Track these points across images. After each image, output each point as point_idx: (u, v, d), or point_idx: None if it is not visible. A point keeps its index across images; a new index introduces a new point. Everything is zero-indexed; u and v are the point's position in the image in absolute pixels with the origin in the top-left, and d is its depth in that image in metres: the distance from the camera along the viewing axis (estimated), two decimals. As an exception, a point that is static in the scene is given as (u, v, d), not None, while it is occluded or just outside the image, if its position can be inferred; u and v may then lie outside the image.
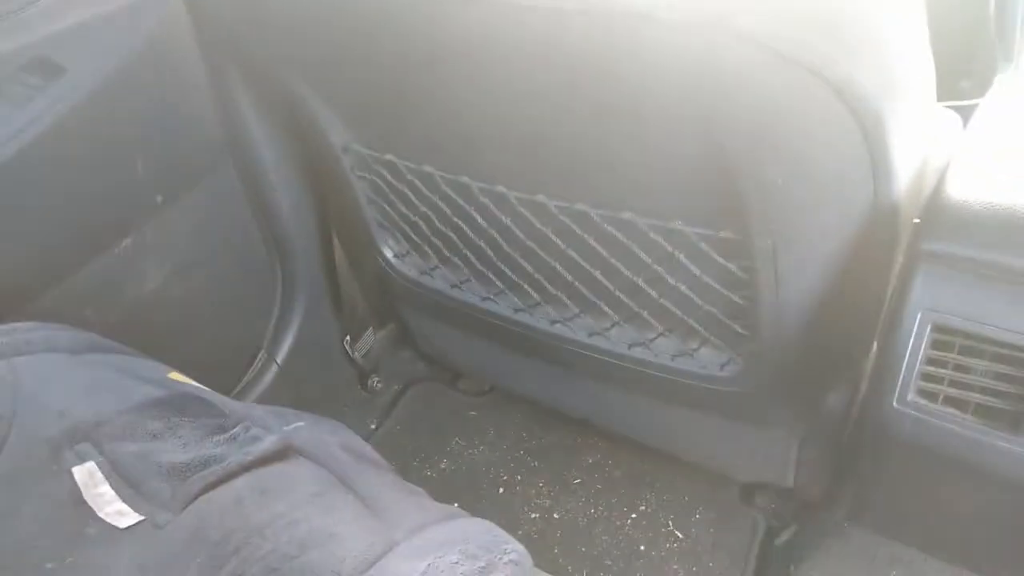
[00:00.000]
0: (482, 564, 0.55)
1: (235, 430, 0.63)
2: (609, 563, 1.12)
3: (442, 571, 0.53)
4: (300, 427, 0.68)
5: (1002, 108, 0.80)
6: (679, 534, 1.13)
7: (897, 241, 0.68)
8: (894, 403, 0.66)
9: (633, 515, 1.17)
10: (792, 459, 0.96)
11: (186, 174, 1.01)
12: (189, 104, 0.98)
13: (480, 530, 0.61)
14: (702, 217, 0.72)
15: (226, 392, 0.85)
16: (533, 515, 1.19)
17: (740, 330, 0.80)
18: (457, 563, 0.54)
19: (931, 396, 0.66)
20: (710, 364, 0.86)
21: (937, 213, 0.66)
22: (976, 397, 0.64)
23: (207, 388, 0.71)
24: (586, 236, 0.80)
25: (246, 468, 0.59)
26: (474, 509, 1.18)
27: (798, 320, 0.76)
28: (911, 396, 0.66)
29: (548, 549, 1.15)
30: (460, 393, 1.40)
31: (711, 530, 1.13)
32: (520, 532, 1.18)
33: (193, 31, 0.94)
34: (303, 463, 0.63)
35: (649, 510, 1.17)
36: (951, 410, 0.65)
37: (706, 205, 0.70)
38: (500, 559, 0.57)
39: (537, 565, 1.12)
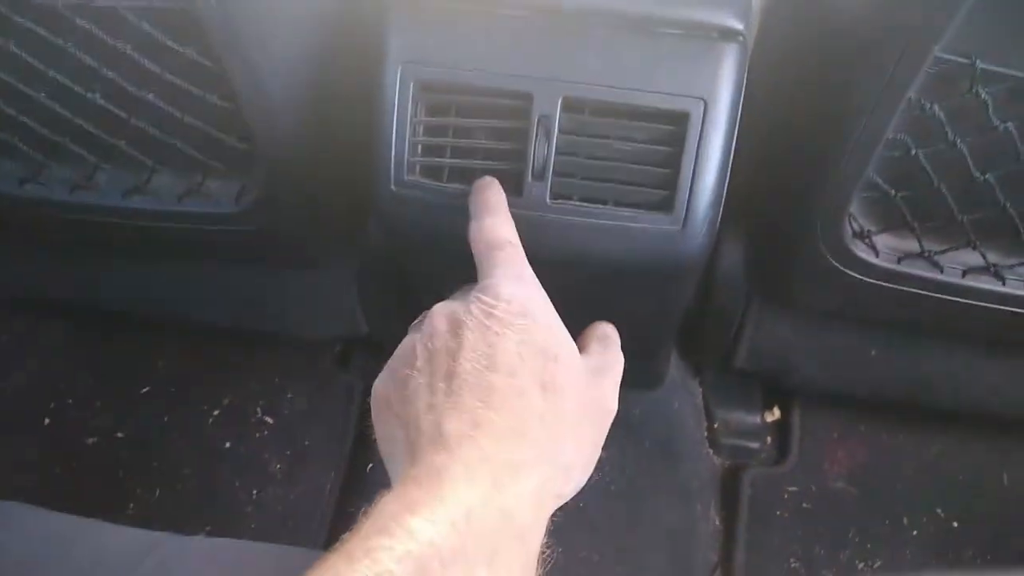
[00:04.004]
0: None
1: None
2: (188, 472, 0.95)
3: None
4: None
5: None
6: (269, 420, 1.00)
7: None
8: (391, 186, 0.55)
9: (216, 412, 1.00)
10: (355, 301, 0.85)
11: None
12: None
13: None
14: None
15: None
16: (90, 440, 0.98)
17: (238, 144, 0.65)
18: None
19: (435, 173, 0.56)
20: (223, 199, 0.70)
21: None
22: (480, 165, 0.55)
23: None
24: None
25: None
26: (9, 444, 0.95)
27: (298, 121, 0.63)
28: (409, 176, 0.56)
29: (111, 473, 0.95)
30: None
31: (306, 406, 1.00)
32: (75, 464, 0.96)
33: None
34: None
35: (235, 402, 1.01)
36: (456, 186, 0.56)
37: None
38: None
39: (94, 493, 0.93)
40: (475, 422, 0.39)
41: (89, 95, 0.62)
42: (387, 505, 0.36)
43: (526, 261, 0.48)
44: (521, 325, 0.42)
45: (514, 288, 0.44)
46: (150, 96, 0.61)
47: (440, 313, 0.44)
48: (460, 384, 0.40)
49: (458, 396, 0.40)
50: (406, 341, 0.45)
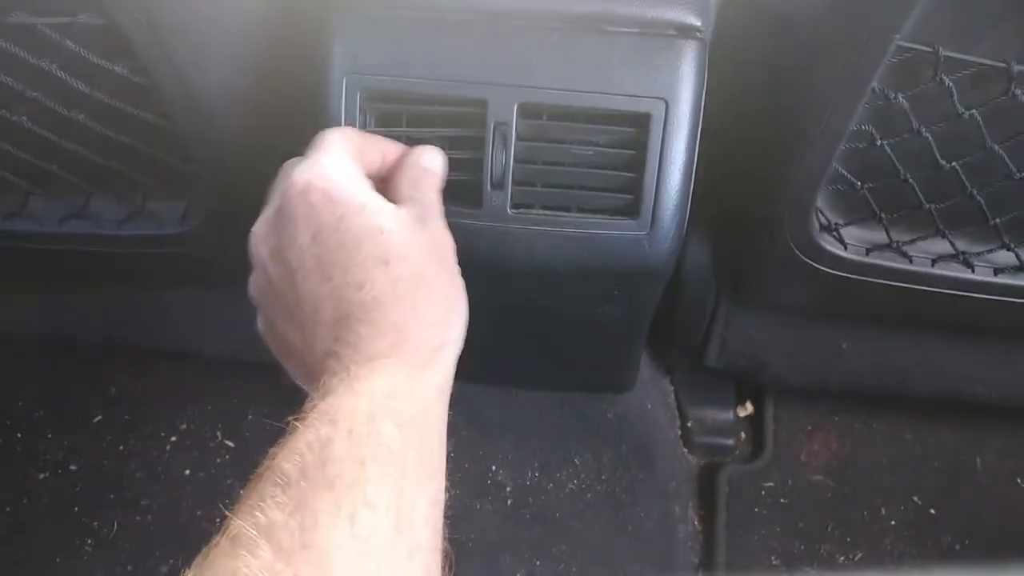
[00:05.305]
0: None
1: None
2: (146, 503, 0.91)
3: None
4: None
5: None
6: (229, 443, 0.96)
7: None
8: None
9: (173, 438, 0.96)
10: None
11: None
12: None
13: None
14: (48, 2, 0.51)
15: None
16: (41, 475, 0.93)
17: (178, 163, 0.62)
18: None
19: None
20: (167, 221, 0.67)
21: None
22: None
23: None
24: None
25: None
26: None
27: (240, 138, 0.59)
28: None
29: (66, 508, 0.91)
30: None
31: (267, 427, 0.97)
32: (27, 501, 0.92)
33: None
34: None
35: (192, 427, 0.97)
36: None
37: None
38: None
39: (49, 531, 0.89)
40: (336, 339, 0.42)
41: (15, 118, 0.58)
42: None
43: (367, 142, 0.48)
44: (334, 220, 0.43)
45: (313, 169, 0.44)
46: (81, 117, 0.58)
47: (260, 243, 0.46)
48: (313, 311, 0.43)
49: (315, 325, 0.43)
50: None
